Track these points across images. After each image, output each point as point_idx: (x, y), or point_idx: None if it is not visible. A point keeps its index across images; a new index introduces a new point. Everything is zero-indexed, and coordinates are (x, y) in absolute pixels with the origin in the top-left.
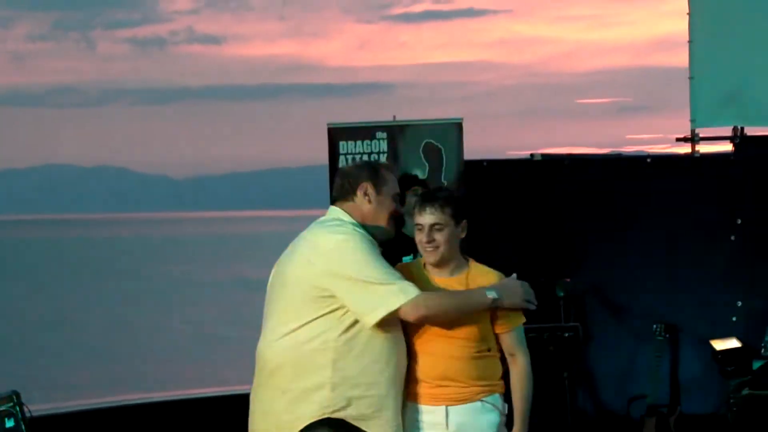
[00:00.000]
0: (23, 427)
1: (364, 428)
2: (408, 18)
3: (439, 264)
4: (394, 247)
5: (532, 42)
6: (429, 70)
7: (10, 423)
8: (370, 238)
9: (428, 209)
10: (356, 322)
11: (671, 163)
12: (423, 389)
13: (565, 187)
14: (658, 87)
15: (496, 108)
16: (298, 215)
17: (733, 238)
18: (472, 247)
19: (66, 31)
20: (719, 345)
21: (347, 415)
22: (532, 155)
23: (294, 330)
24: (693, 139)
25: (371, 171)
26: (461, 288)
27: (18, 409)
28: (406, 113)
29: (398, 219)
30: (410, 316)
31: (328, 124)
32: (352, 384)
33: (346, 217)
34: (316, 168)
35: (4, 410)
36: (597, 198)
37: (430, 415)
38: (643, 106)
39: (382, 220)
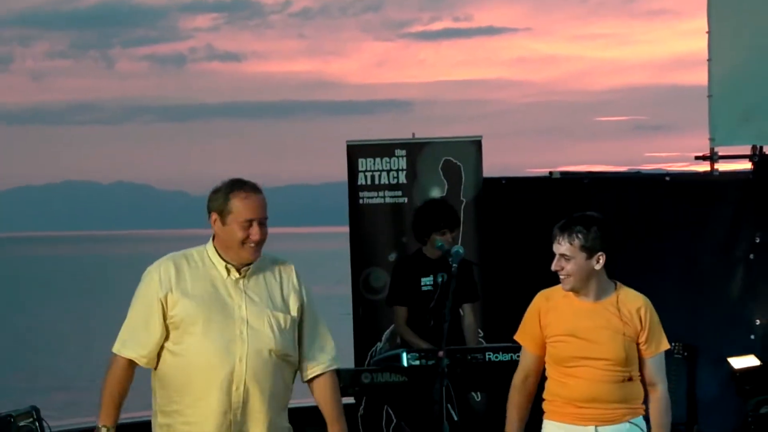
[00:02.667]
0: None
1: None
2: (427, 36)
3: (576, 291)
4: (413, 268)
5: (550, 60)
6: (448, 88)
7: None
8: (198, 264)
9: (559, 238)
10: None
11: (690, 182)
12: (571, 410)
13: (584, 205)
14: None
15: (514, 126)
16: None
17: (752, 256)
18: (490, 264)
19: (85, 49)
20: (738, 363)
21: None
22: (551, 173)
23: None
24: (712, 157)
25: (223, 198)
26: (611, 312)
27: (37, 425)
28: (424, 130)
29: (420, 238)
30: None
31: (347, 142)
32: (161, 410)
33: (209, 244)
34: (336, 185)
35: (23, 426)
36: (616, 216)
37: None
38: (662, 125)
39: (234, 248)
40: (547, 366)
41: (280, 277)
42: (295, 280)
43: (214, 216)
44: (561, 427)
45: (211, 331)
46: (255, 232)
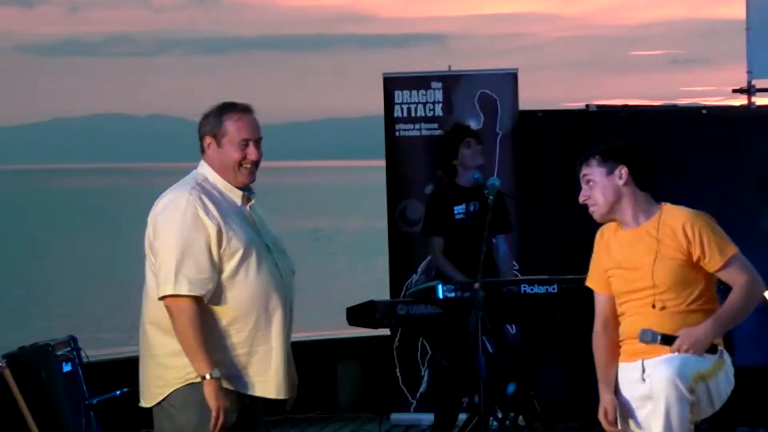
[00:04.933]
0: (80, 371)
1: (231, 387)
2: None
3: (610, 218)
4: (446, 197)
5: None
6: (482, 22)
7: (67, 367)
8: (214, 195)
9: (579, 167)
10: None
11: (727, 115)
12: (625, 347)
13: (621, 138)
14: (712, 39)
15: (549, 59)
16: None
17: None
18: (526, 196)
19: None
20: None
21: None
22: (587, 106)
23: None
24: (749, 90)
25: (215, 121)
26: (652, 235)
27: (75, 353)
28: (459, 64)
29: (450, 169)
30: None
31: (383, 74)
32: (210, 348)
33: (205, 170)
34: (373, 118)
35: (61, 355)
36: (652, 149)
37: (628, 372)
38: (698, 59)
39: (231, 171)
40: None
41: (258, 202)
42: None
43: (208, 140)
44: (620, 367)
45: (263, 258)
46: (251, 151)
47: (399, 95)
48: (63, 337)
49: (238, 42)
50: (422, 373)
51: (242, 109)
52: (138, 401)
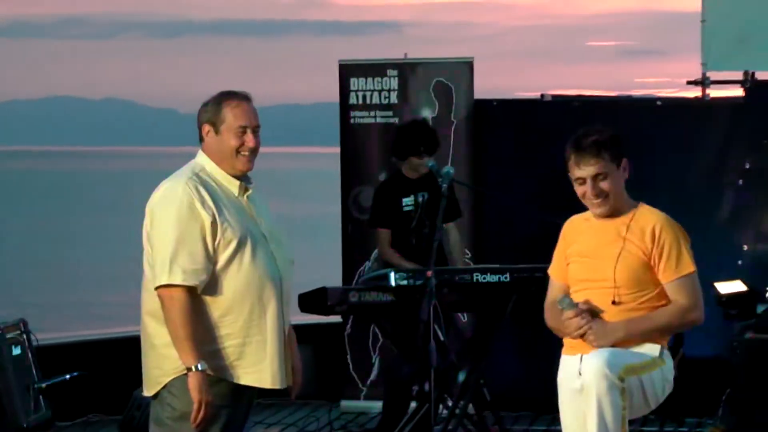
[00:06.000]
0: (30, 354)
1: (226, 378)
2: None
3: (613, 214)
4: (394, 189)
5: None
6: (438, 9)
7: (16, 351)
8: (211, 185)
9: (585, 159)
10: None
11: (681, 106)
12: (569, 340)
13: (575, 128)
14: (667, 31)
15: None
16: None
17: (740, 182)
18: (480, 185)
19: None
20: (724, 288)
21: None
22: (542, 96)
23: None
24: (704, 82)
25: (214, 108)
26: (620, 229)
27: (25, 337)
28: (415, 52)
29: (399, 158)
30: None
31: (339, 61)
32: (202, 340)
33: (202, 159)
34: (327, 105)
35: (10, 338)
36: None
37: (567, 366)
38: (653, 50)
39: (228, 158)
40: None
41: (257, 191)
42: (256, 186)
43: (207, 128)
44: (562, 359)
45: (258, 248)
46: (249, 139)
47: (354, 82)
48: (13, 320)
49: (193, 26)
50: (373, 361)
51: (241, 97)
52: (89, 384)
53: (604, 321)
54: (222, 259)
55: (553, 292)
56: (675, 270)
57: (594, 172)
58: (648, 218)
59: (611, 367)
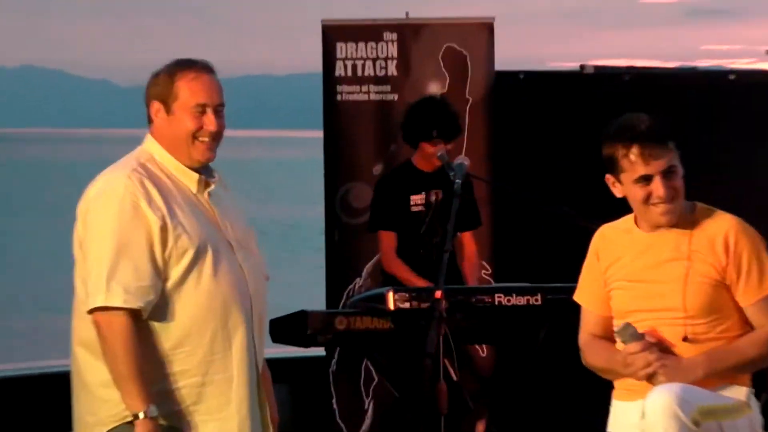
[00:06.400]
0: None
1: (180, 427)
2: None
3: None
4: (401, 183)
5: None
6: None
7: None
8: (161, 179)
9: (654, 150)
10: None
11: (760, 81)
12: (628, 383)
13: (624, 107)
14: None
15: (534, 8)
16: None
17: None
18: (503, 182)
19: None
20: None
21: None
22: (582, 67)
23: None
24: None
25: (165, 81)
26: (683, 243)
27: None
28: (418, 11)
29: (410, 144)
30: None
31: (322, 22)
32: (149, 378)
33: (151, 146)
34: (307, 77)
35: None
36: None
37: (625, 414)
38: (725, 10)
39: (183, 145)
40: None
41: (221, 185)
42: (226, 184)
43: (156, 105)
44: (615, 406)
45: (222, 260)
46: (210, 121)
47: (342, 49)
48: None
49: None
50: (366, 406)
51: (200, 68)
52: None
53: (679, 356)
54: (174, 274)
55: (589, 326)
56: (758, 288)
57: (665, 166)
58: (716, 225)
59: (684, 406)
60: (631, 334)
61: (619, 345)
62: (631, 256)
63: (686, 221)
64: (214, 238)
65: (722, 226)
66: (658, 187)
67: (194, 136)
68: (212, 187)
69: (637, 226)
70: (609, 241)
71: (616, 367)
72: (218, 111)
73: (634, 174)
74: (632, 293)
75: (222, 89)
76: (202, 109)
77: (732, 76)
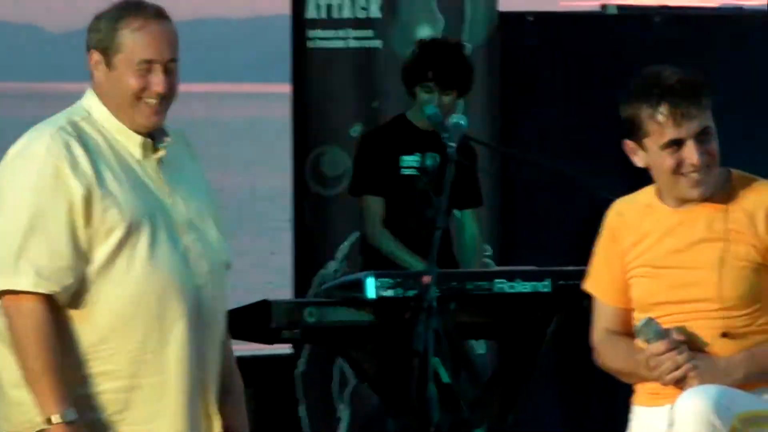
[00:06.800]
0: None
1: None
2: None
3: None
4: (391, 139)
5: None
6: None
7: None
8: (96, 141)
9: (686, 109)
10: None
11: None
12: (653, 385)
13: (655, 55)
14: None
15: None
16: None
17: None
18: (511, 145)
19: None
20: None
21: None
22: (603, 6)
23: None
24: None
25: (107, 27)
26: (719, 219)
27: None
28: None
29: (407, 82)
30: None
31: None
32: (70, 378)
33: (90, 102)
34: (272, 19)
35: None
36: (702, 74)
37: (650, 420)
38: None
39: (125, 105)
40: (635, 316)
41: (184, 151)
42: (194, 153)
43: (96, 56)
44: (636, 413)
45: (161, 240)
46: (157, 80)
47: None
48: None
49: None
50: (339, 413)
51: (149, 14)
52: None
53: (714, 356)
54: (100, 255)
55: (604, 320)
56: None
57: (698, 128)
58: (756, 197)
59: (721, 412)
60: (655, 331)
61: (641, 343)
62: (655, 238)
63: (721, 194)
64: (156, 214)
65: (764, 199)
66: (691, 153)
67: (138, 97)
68: (161, 152)
69: (660, 200)
70: (627, 219)
71: (638, 369)
72: (169, 68)
73: (662, 138)
74: (657, 282)
75: (176, 41)
76: (148, 66)
77: None
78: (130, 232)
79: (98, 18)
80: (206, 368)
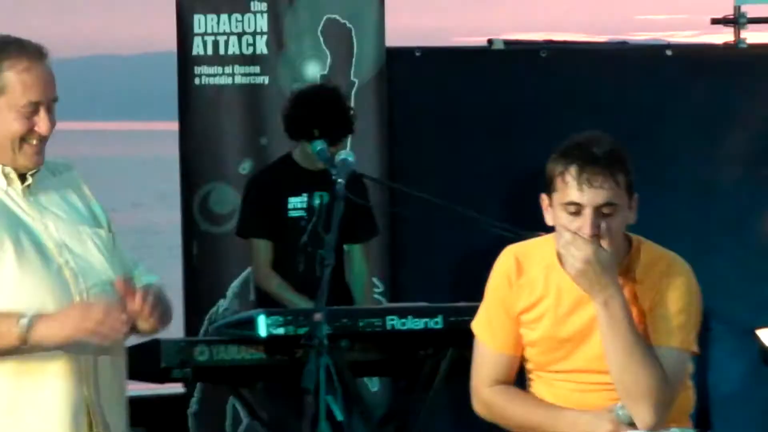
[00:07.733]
0: None
1: None
2: None
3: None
4: (277, 180)
5: None
6: None
7: None
8: None
9: (596, 177)
10: None
11: (705, 58)
12: None
13: (541, 88)
14: None
15: None
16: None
17: None
18: (397, 182)
19: None
20: None
21: None
22: (490, 42)
23: None
24: (737, 21)
25: None
26: (626, 287)
27: None
28: None
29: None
30: None
31: None
32: None
33: None
34: (158, 57)
35: None
36: (588, 107)
37: None
38: None
39: (7, 147)
40: (526, 366)
41: (68, 181)
42: (82, 184)
43: None
44: None
45: (28, 261)
46: (42, 122)
47: (200, 21)
48: None
49: None
50: None
51: (33, 55)
52: None
53: None
54: None
55: (490, 367)
56: (666, 336)
57: (602, 201)
58: (658, 262)
59: None
60: (628, 416)
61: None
62: (555, 311)
63: (624, 259)
64: (20, 235)
65: (662, 262)
66: (586, 221)
67: (22, 139)
68: (30, 182)
69: (561, 263)
70: (525, 271)
71: (544, 423)
72: (51, 107)
73: (564, 197)
74: (556, 354)
75: (54, 78)
76: (34, 108)
77: (669, 51)
78: None
79: None
80: (96, 390)
